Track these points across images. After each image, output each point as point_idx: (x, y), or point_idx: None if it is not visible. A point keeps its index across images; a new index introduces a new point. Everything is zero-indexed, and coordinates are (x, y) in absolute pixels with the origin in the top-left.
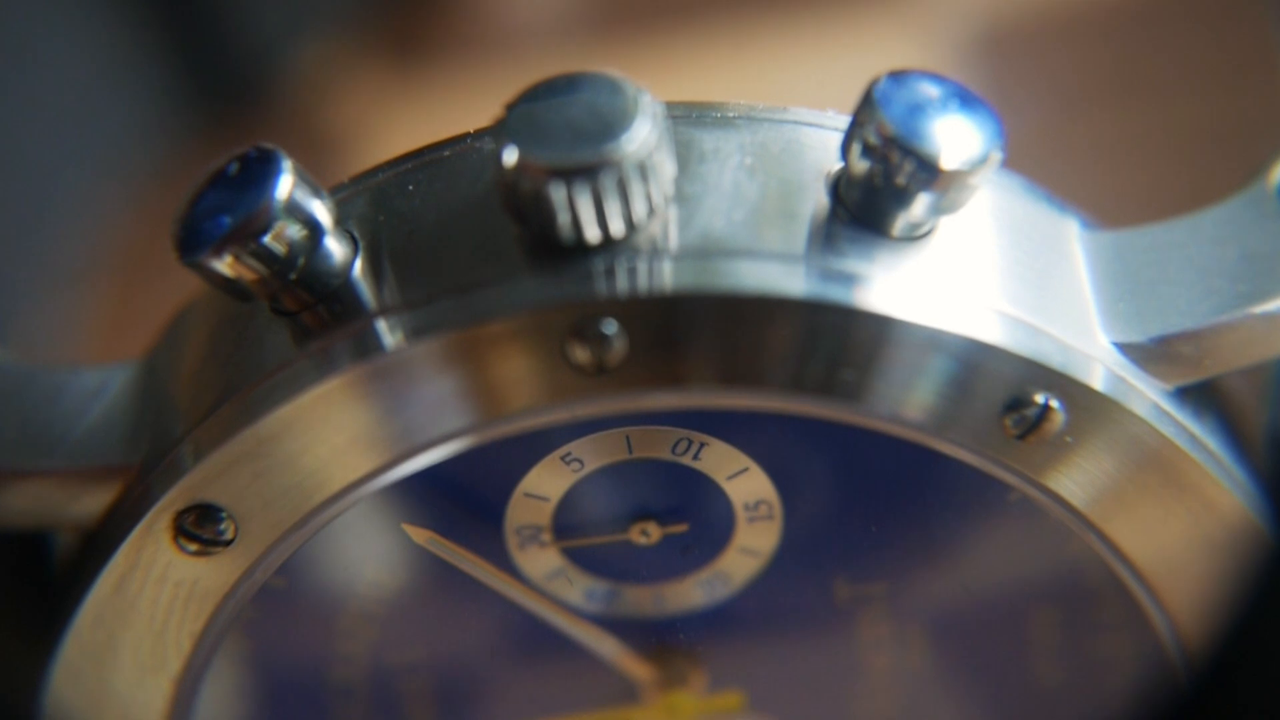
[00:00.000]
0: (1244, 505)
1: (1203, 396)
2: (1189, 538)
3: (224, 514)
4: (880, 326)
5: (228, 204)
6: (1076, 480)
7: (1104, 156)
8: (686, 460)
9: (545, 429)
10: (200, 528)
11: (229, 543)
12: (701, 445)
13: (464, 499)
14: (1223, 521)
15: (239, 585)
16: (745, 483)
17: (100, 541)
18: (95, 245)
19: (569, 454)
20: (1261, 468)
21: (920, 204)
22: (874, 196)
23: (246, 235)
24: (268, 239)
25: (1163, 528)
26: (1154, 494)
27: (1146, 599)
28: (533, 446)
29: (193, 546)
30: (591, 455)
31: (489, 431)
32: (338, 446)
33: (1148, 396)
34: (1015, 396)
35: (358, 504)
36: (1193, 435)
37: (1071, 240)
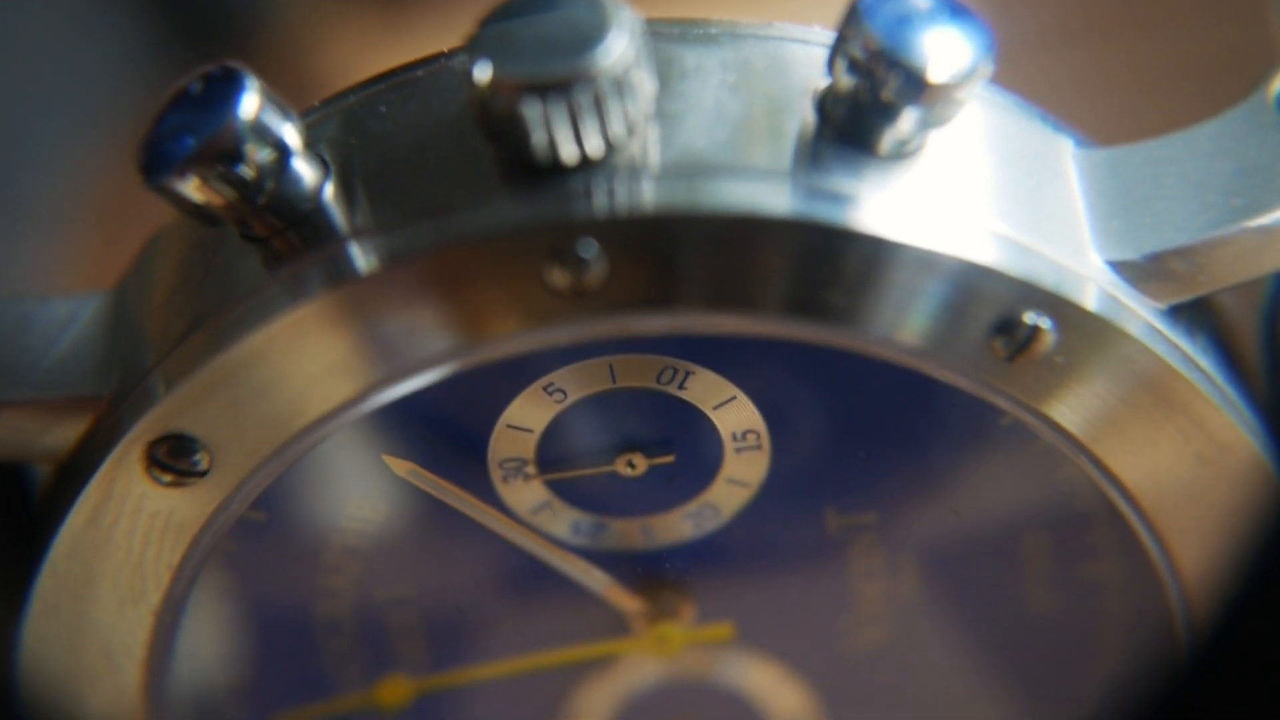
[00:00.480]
0: (1236, 424)
1: (1196, 315)
2: (1181, 458)
3: (198, 444)
4: (868, 247)
5: (191, 124)
6: (1068, 402)
7: (1100, 88)
8: (672, 390)
9: (526, 357)
10: (174, 458)
11: (204, 474)
12: (687, 374)
13: (445, 431)
14: (1214, 441)
15: (216, 516)
16: (733, 412)
17: (73, 474)
18: (76, 190)
19: (551, 384)
20: (1255, 387)
21: (907, 119)
22: (861, 113)
23: (211, 156)
24: (233, 160)
25: (1154, 449)
26: (1146, 414)
27: (1138, 521)
28: (514, 376)
29: (167, 477)
30: (574, 385)
31: (467, 358)
32: (312, 374)
33: (1140, 315)
34: (1005, 317)
35: (336, 435)
36: (1186, 354)
37: (1065, 158)
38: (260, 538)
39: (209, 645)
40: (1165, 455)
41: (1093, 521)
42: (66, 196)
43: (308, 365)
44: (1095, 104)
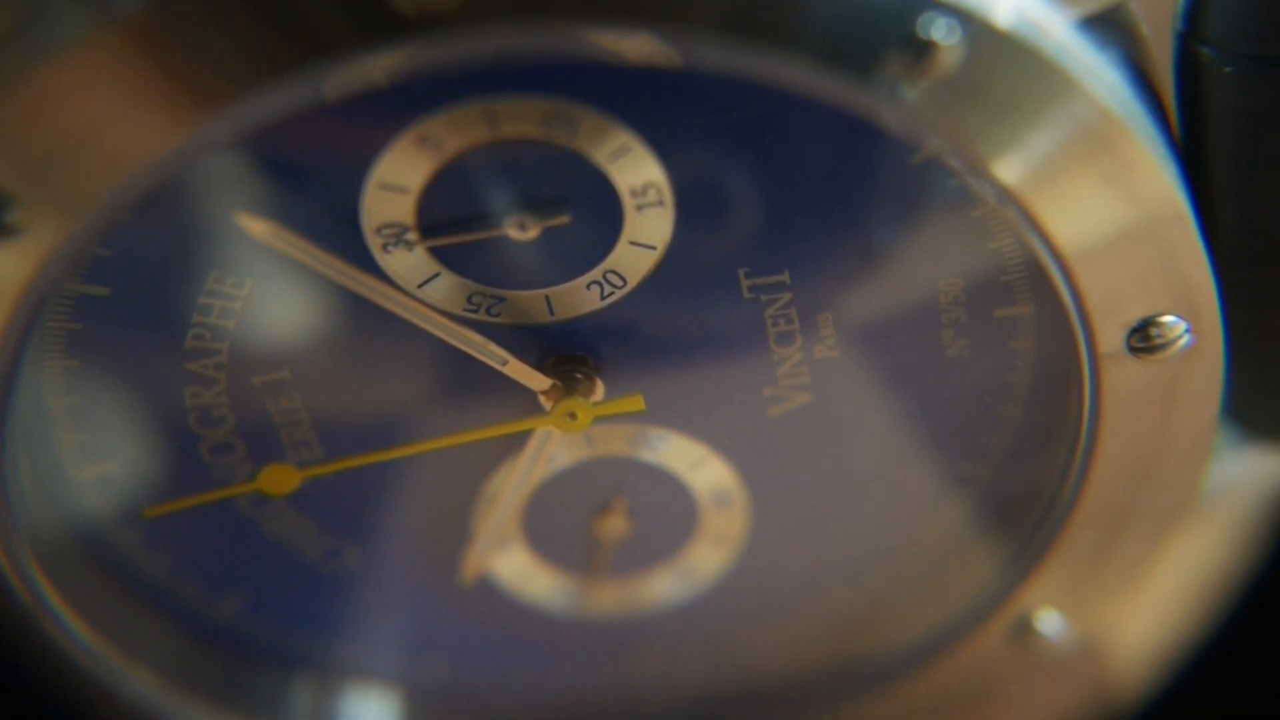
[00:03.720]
0: (1141, 142)
1: (1108, 29)
2: (1085, 178)
3: (5, 197)
4: None
5: None
6: (978, 126)
7: None
8: (560, 138)
9: (389, 100)
10: None
11: (17, 231)
12: (576, 121)
13: (307, 189)
14: (1119, 159)
15: (37, 281)
16: (629, 164)
17: None
18: None
19: (424, 135)
20: (1167, 107)
21: None
22: None
23: None
24: None
25: (1063, 172)
26: (1055, 134)
27: (1044, 250)
28: (379, 124)
29: None
30: (450, 135)
31: (306, 85)
32: (128, 112)
33: (1051, 30)
34: (907, 31)
35: (176, 191)
36: (1094, 70)
37: None
38: (107, 316)
39: (65, 432)
40: (1072, 177)
41: (1007, 261)
42: None
43: (121, 101)
44: None
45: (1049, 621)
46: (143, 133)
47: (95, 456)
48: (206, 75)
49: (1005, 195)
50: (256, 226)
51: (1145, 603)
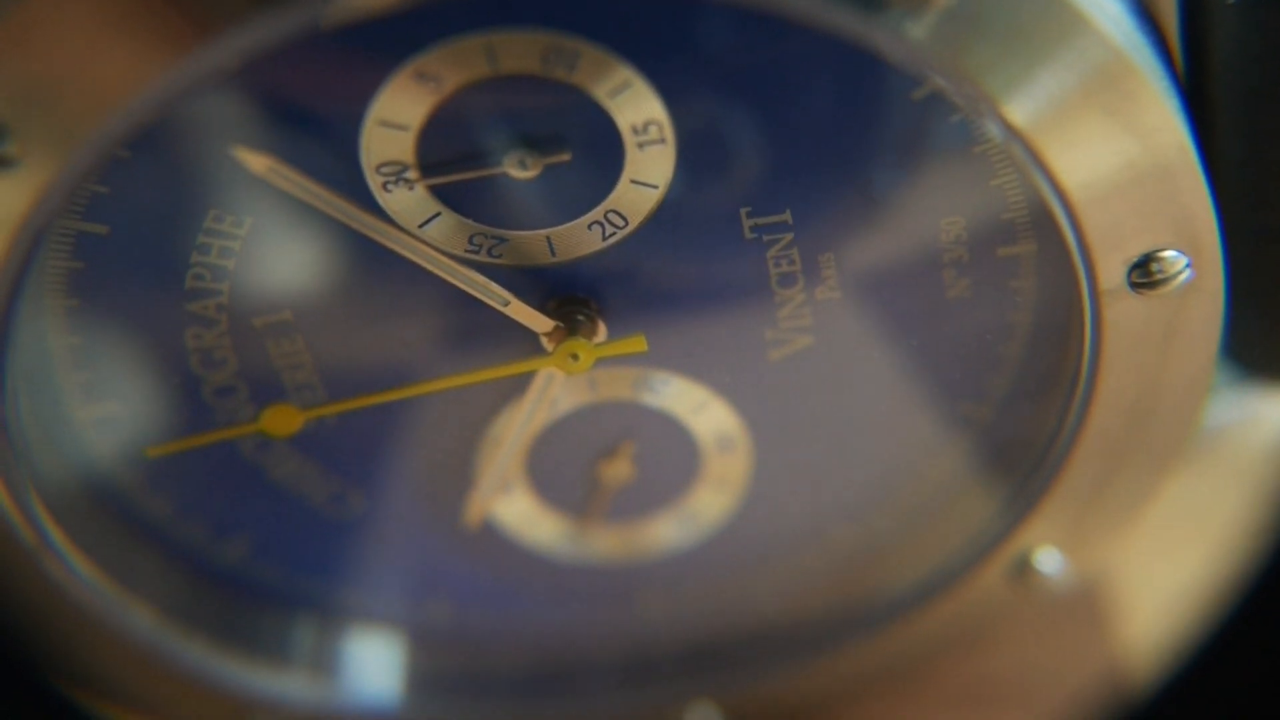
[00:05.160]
0: (1146, 76)
1: None
2: (1089, 113)
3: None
4: None
5: None
6: (983, 63)
7: None
8: (561, 74)
9: (386, 32)
10: None
11: (13, 163)
12: (576, 55)
13: (306, 126)
14: (1124, 94)
15: (35, 214)
16: (630, 101)
17: None
18: None
19: (422, 70)
20: (1166, 34)
21: None
22: None
23: None
24: None
25: (1065, 104)
26: (1055, 67)
27: (1045, 183)
28: (378, 59)
29: None
30: (449, 71)
31: (302, 13)
32: (119, 40)
33: None
34: None
35: (174, 127)
36: (1098, 1)
37: None
38: (107, 254)
39: (67, 372)
40: (1078, 113)
41: (1008, 198)
42: None
43: (113, 29)
44: None
45: (1048, 559)
46: (135, 62)
47: (97, 396)
48: (199, 3)
49: (1012, 133)
50: (256, 162)
51: (1148, 545)
